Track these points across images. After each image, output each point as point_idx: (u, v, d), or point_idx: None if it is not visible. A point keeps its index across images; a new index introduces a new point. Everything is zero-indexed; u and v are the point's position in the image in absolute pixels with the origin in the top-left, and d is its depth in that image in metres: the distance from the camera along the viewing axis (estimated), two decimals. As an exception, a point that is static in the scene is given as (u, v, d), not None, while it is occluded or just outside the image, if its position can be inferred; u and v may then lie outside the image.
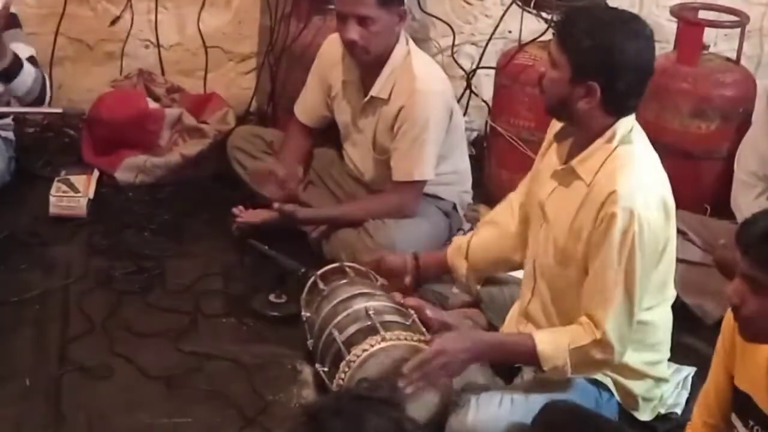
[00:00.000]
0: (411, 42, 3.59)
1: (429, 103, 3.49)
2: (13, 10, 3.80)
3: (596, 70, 2.59)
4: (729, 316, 2.26)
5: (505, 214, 3.08)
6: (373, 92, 3.56)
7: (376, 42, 3.45)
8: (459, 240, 3.18)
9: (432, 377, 2.63)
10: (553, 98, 2.68)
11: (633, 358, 2.71)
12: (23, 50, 3.72)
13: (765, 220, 2.03)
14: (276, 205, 3.55)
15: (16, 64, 3.56)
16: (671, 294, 2.80)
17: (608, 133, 2.64)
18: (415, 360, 2.63)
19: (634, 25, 2.63)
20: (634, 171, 2.60)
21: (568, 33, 2.63)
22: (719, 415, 2.33)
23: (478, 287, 3.14)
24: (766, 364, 2.15)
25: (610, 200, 2.56)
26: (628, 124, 2.66)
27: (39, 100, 3.78)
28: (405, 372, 2.61)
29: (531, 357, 2.63)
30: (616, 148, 2.63)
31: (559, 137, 2.79)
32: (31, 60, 3.75)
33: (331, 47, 3.72)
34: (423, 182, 3.57)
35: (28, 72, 3.61)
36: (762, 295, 2.02)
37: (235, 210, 3.67)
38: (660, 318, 2.77)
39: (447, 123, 3.58)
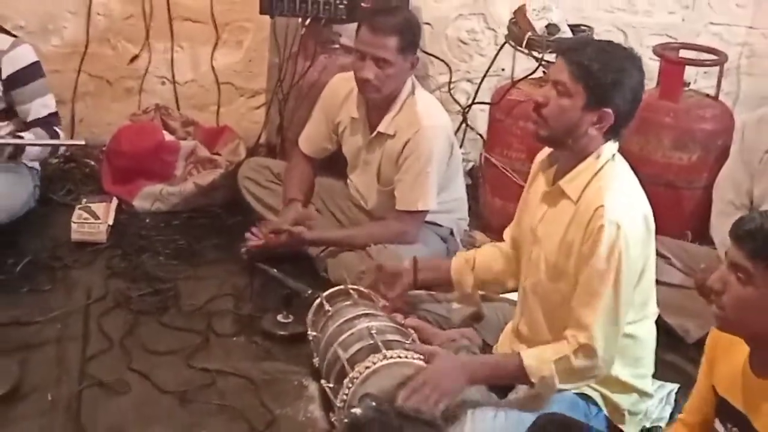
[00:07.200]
0: (416, 81, 3.61)
1: (433, 137, 3.51)
2: (36, 54, 3.84)
3: (610, 97, 2.58)
4: (712, 332, 2.29)
5: (504, 244, 3.08)
6: (380, 128, 3.57)
7: (388, 83, 3.47)
8: (464, 255, 3.15)
9: (425, 402, 2.60)
10: (561, 127, 2.62)
11: (619, 371, 2.70)
12: (44, 106, 3.77)
13: (760, 217, 2.07)
14: (285, 225, 3.56)
15: (17, 150, 3.66)
16: (653, 310, 2.78)
17: (594, 153, 2.64)
18: (407, 390, 2.61)
19: (631, 52, 2.64)
20: (618, 188, 2.60)
21: (580, 61, 2.57)
22: (698, 419, 2.37)
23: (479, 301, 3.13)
24: (741, 365, 2.17)
25: (597, 214, 2.55)
26: (613, 148, 2.66)
27: (53, 153, 4.00)
28: (399, 402, 2.58)
29: (519, 373, 2.62)
30: (602, 167, 2.63)
31: (544, 165, 2.79)
32: (50, 118, 3.78)
33: (338, 86, 3.74)
34: (425, 212, 3.57)
35: (30, 151, 3.72)
36: (744, 284, 2.06)
37: (248, 234, 3.67)
38: (644, 332, 2.75)
39: (449, 156, 3.60)
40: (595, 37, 4.02)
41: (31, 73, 3.75)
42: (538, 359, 2.61)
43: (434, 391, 2.60)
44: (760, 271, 2.04)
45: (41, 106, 3.76)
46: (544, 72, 3.96)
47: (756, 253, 2.04)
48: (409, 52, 3.48)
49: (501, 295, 3.15)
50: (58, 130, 3.80)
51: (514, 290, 3.02)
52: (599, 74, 2.56)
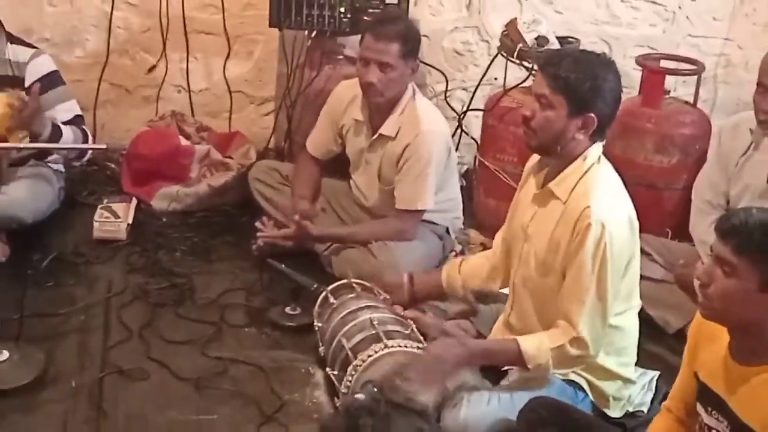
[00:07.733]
0: (415, 88, 3.61)
1: (432, 141, 3.52)
2: (60, 64, 3.85)
3: (591, 103, 2.58)
4: (695, 322, 2.29)
5: (491, 251, 3.09)
6: (382, 130, 3.58)
7: (390, 87, 3.48)
8: (452, 269, 3.15)
9: (430, 379, 2.62)
10: (549, 136, 2.63)
11: (605, 359, 2.72)
12: (68, 111, 3.77)
13: (744, 214, 2.08)
14: (296, 216, 3.56)
15: (55, 135, 3.60)
16: (637, 303, 2.80)
17: (582, 156, 2.65)
18: (418, 365, 2.63)
19: (604, 58, 2.65)
20: (604, 190, 2.62)
21: (557, 74, 2.58)
22: (681, 404, 2.38)
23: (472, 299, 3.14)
24: (723, 353, 2.18)
25: (584, 215, 2.57)
26: (598, 150, 2.67)
27: (80, 156, 3.94)
28: (408, 376, 2.59)
29: (517, 358, 2.64)
30: (588, 169, 2.64)
31: (534, 169, 2.80)
32: (76, 119, 3.79)
33: (342, 92, 3.75)
34: (423, 210, 3.58)
35: (67, 138, 3.65)
36: (729, 276, 2.07)
37: (257, 223, 3.68)
38: (628, 323, 2.77)
39: (446, 159, 3.60)
40: (581, 48, 4.01)
41: (51, 80, 3.75)
42: (535, 347, 2.62)
43: (436, 373, 2.62)
44: (744, 265, 2.05)
45: (65, 110, 3.76)
46: (533, 76, 3.96)
47: (740, 247, 2.05)
48: (410, 57, 3.49)
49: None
50: (86, 129, 3.81)
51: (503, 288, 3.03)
52: (577, 84, 2.57)
